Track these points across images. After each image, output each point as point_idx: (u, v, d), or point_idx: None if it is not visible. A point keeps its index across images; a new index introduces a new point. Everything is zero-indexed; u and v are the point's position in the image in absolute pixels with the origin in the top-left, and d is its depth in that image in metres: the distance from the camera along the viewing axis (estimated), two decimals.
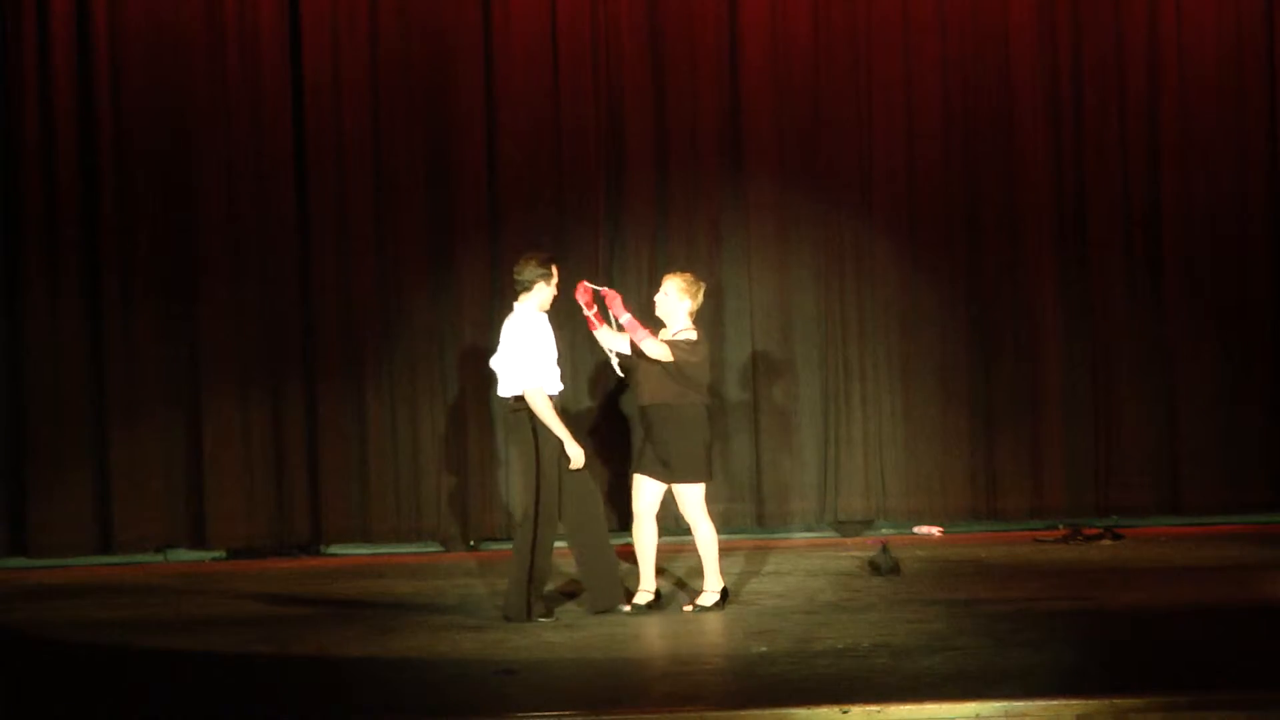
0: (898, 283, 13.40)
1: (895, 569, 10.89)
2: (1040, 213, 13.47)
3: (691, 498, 9.50)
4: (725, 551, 12.35)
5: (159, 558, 12.74)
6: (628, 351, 9.71)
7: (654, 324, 9.77)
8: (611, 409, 12.99)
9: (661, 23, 13.24)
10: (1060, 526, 13.15)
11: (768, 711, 6.96)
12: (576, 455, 9.37)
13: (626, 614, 9.46)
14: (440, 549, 12.92)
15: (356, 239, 13.00)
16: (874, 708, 6.94)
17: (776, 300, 13.33)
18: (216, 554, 12.79)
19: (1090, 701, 6.98)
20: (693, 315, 9.65)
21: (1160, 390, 13.49)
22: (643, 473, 9.59)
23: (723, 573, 9.75)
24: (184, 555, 12.77)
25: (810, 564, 11.64)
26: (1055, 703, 6.97)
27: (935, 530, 13.25)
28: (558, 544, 9.53)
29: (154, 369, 12.76)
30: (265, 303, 12.89)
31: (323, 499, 12.90)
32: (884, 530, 13.16)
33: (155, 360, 12.77)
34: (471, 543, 12.97)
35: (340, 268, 12.99)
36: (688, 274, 9.79)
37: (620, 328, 9.55)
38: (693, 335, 9.56)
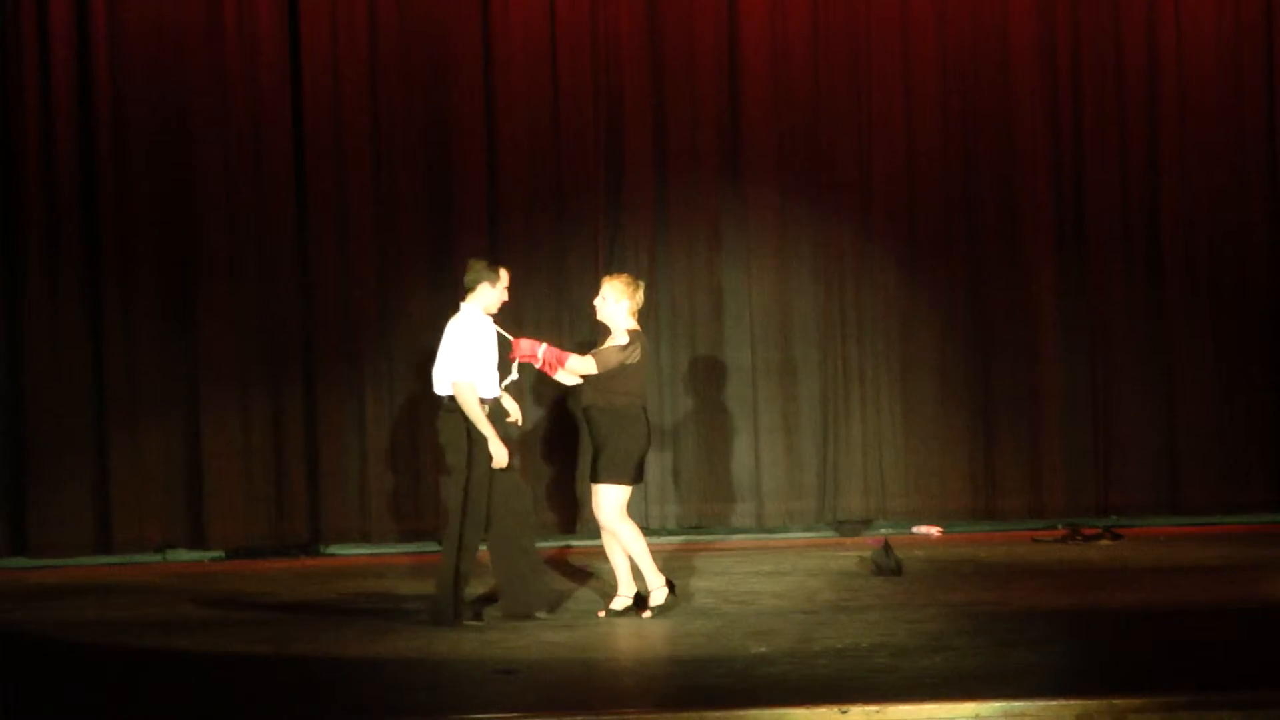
0: (897, 283, 13.40)
1: (897, 569, 10.89)
2: (1039, 213, 13.48)
3: (607, 500, 9.40)
4: (724, 551, 12.38)
5: (158, 558, 12.73)
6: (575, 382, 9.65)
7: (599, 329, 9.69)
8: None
9: (661, 23, 13.24)
10: (1059, 526, 13.14)
11: (767, 711, 6.97)
12: (500, 454, 9.31)
13: (600, 618, 9.41)
14: (439, 549, 12.89)
15: (356, 239, 13.00)
16: (873, 708, 6.94)
17: (776, 300, 13.33)
18: (216, 554, 12.78)
19: (1090, 701, 6.98)
20: (635, 314, 9.59)
21: (1159, 390, 13.50)
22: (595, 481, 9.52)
23: (641, 576, 9.52)
24: (183, 555, 12.76)
25: (809, 564, 11.64)
26: (1055, 703, 6.97)
27: (934, 530, 13.25)
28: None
29: (154, 369, 12.76)
30: (265, 303, 12.89)
31: (322, 499, 12.89)
32: (883, 530, 13.15)
33: (155, 360, 12.76)
34: None
35: (339, 268, 12.98)
36: (624, 275, 9.76)
37: (550, 365, 9.46)
38: (624, 339, 9.46)
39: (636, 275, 12.99)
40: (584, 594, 10.38)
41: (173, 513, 12.75)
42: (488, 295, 9.57)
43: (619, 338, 9.49)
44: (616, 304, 9.55)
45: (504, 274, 9.64)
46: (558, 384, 9.88)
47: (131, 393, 12.70)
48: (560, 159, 13.17)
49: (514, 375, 9.66)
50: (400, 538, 12.97)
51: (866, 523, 13.33)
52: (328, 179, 12.98)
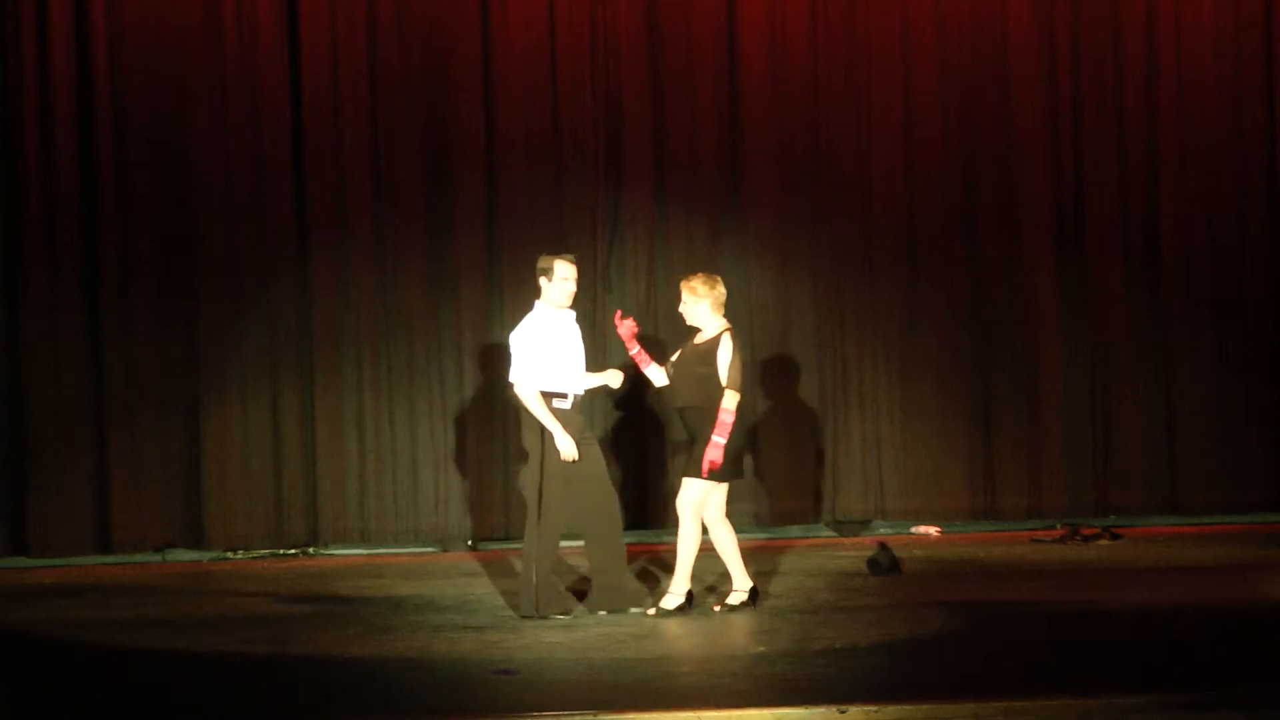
0: (896, 282, 13.41)
1: (895, 568, 10.90)
2: (1038, 212, 13.49)
3: (689, 493, 9.45)
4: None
5: (158, 558, 12.73)
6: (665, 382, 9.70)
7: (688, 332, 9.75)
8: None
9: (660, 23, 13.25)
10: (1058, 526, 13.15)
11: (766, 711, 6.97)
12: (567, 449, 9.36)
13: (716, 614, 9.43)
14: (438, 549, 12.92)
15: (355, 239, 13.00)
16: (872, 707, 6.94)
17: (775, 300, 13.34)
18: (215, 554, 12.79)
19: (1089, 701, 6.98)
20: (719, 308, 9.59)
21: (1158, 390, 13.51)
22: (685, 475, 9.55)
23: (693, 578, 9.60)
24: (182, 555, 12.77)
25: (808, 564, 11.64)
26: (1054, 702, 6.97)
27: (933, 530, 13.26)
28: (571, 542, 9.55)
29: (153, 369, 12.76)
30: (264, 303, 12.89)
31: (321, 499, 12.90)
32: (882, 530, 13.17)
33: (154, 360, 12.77)
34: (470, 543, 12.98)
35: (338, 268, 12.98)
36: (698, 274, 9.77)
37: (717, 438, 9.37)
38: (728, 344, 9.41)
39: (635, 274, 13.12)
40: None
41: (172, 513, 12.76)
42: (549, 290, 9.59)
43: (724, 345, 9.40)
44: (696, 304, 9.53)
45: (561, 265, 9.62)
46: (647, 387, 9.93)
47: (131, 393, 12.71)
48: (560, 158, 13.17)
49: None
50: (399, 538, 12.98)
51: (865, 523, 13.34)
52: (327, 179, 12.98)
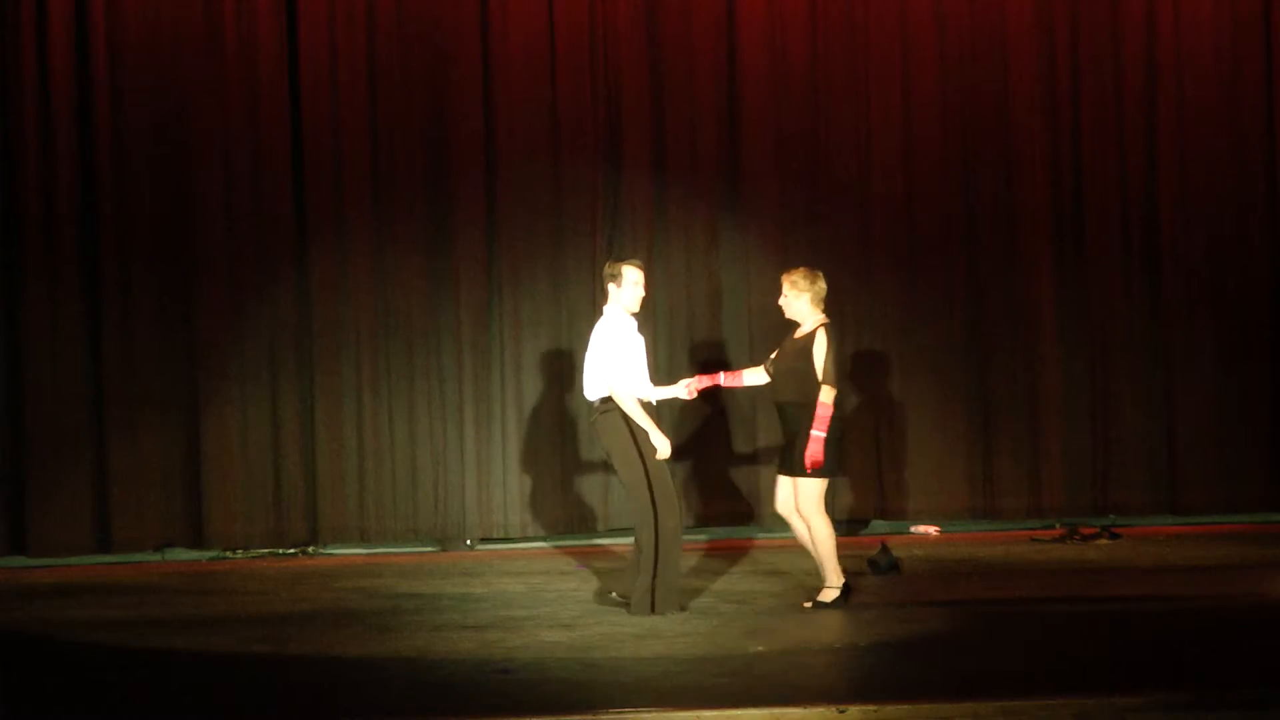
0: (895, 282, 13.41)
1: (895, 567, 10.90)
2: (1038, 212, 13.49)
3: (808, 492, 9.46)
4: (723, 551, 12.39)
5: (157, 557, 12.73)
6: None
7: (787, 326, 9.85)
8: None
9: (660, 23, 13.24)
10: (1057, 526, 13.16)
11: (765, 711, 6.97)
12: (663, 446, 9.39)
13: (807, 609, 9.44)
14: (438, 549, 12.92)
15: (354, 238, 12.99)
16: (871, 707, 6.95)
17: (774, 299, 13.26)
18: (214, 554, 12.78)
19: (1088, 701, 6.98)
20: (818, 303, 9.63)
21: (1157, 389, 13.51)
22: (782, 472, 9.59)
23: (842, 569, 9.60)
24: (182, 555, 12.76)
25: (808, 563, 11.53)
26: (1053, 702, 6.97)
27: (932, 529, 13.26)
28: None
29: (152, 369, 12.76)
30: (263, 303, 12.89)
31: (320, 499, 12.89)
32: (881, 529, 13.16)
33: (153, 360, 12.76)
34: (469, 542, 12.97)
35: (338, 267, 12.98)
36: (799, 269, 9.83)
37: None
38: (822, 340, 9.45)
39: None
40: (584, 594, 10.38)
41: (172, 512, 12.75)
42: (620, 295, 9.61)
43: (819, 340, 9.45)
44: (797, 299, 9.56)
45: (629, 270, 9.61)
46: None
47: (130, 392, 12.70)
48: (559, 158, 13.17)
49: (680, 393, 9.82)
50: (398, 537, 12.98)
51: (864, 522, 13.34)
52: (327, 179, 12.98)
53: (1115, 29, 13.54)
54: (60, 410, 12.64)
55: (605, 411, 9.46)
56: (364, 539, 12.96)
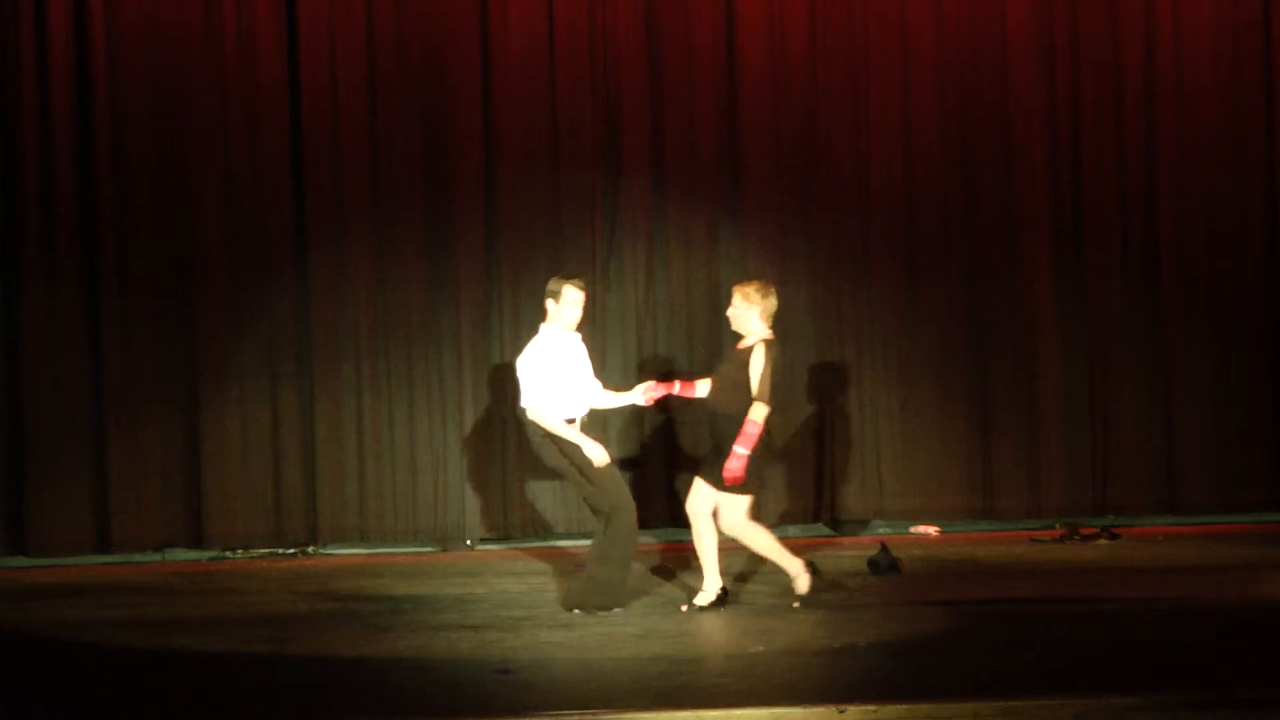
0: (895, 282, 13.41)
1: (894, 567, 10.90)
2: (1037, 213, 13.49)
3: (731, 508, 9.48)
4: (722, 550, 12.38)
5: (157, 557, 12.72)
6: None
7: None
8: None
9: (659, 24, 13.24)
10: (1057, 526, 13.15)
11: (765, 711, 6.97)
12: (597, 454, 9.45)
13: (684, 614, 9.47)
14: (438, 549, 12.91)
15: (353, 239, 12.99)
16: (871, 707, 6.95)
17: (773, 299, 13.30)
18: (214, 554, 12.78)
19: (1088, 701, 6.98)
20: (768, 318, 9.61)
21: (1157, 390, 13.52)
22: (700, 475, 9.64)
23: (723, 572, 9.72)
24: (182, 555, 12.76)
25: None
26: (1053, 702, 6.97)
27: (932, 529, 13.26)
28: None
29: (152, 369, 12.75)
30: (263, 303, 12.89)
31: (320, 499, 12.89)
32: (881, 530, 13.17)
33: (153, 360, 12.76)
34: (469, 542, 12.97)
35: (337, 268, 12.98)
36: (754, 281, 9.81)
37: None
38: (760, 354, 9.43)
39: (634, 274, 13.12)
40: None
41: (171, 512, 12.75)
42: (557, 313, 9.65)
43: (757, 354, 9.44)
44: (748, 311, 9.55)
45: (570, 289, 9.65)
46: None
47: (130, 392, 12.70)
48: (558, 159, 13.17)
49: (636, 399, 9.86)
50: (398, 537, 12.98)
51: (864, 522, 13.34)
52: (326, 179, 12.98)
53: (1115, 30, 13.54)
54: (60, 410, 12.64)
55: (541, 434, 9.58)
56: (364, 539, 12.96)
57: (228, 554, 12.79)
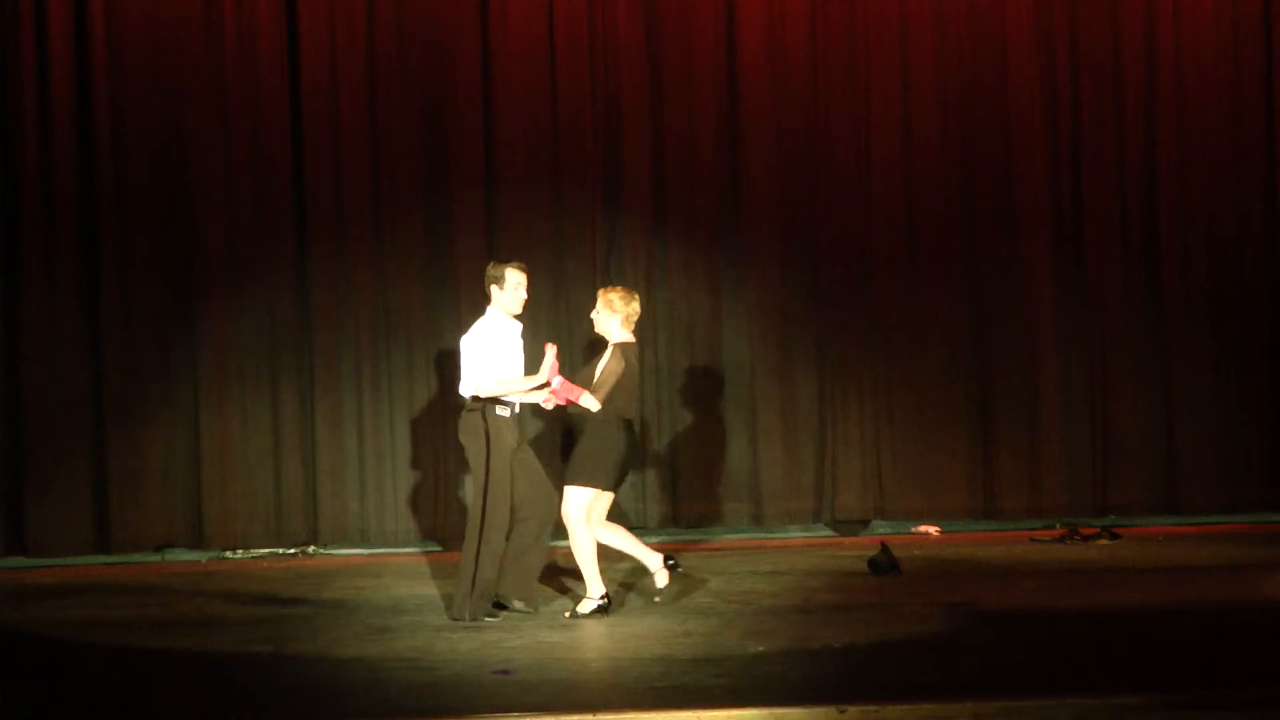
0: (895, 282, 13.41)
1: (895, 568, 10.90)
2: (1038, 212, 13.49)
3: (572, 500, 9.45)
4: (722, 550, 12.38)
5: (157, 557, 12.73)
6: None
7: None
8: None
9: (659, 23, 13.25)
10: (1057, 526, 13.15)
11: (765, 711, 6.97)
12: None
13: (567, 619, 9.40)
14: (438, 549, 12.91)
15: (354, 239, 13.00)
16: (871, 707, 6.94)
17: (774, 300, 13.33)
18: (214, 554, 12.79)
19: (1088, 701, 6.98)
20: (629, 324, 9.61)
21: (1157, 390, 13.52)
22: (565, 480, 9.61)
23: (603, 575, 9.58)
24: (182, 555, 12.76)
25: (807, 563, 11.64)
26: (1054, 702, 6.97)
27: (932, 529, 13.26)
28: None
29: (152, 369, 12.76)
30: (263, 303, 12.89)
31: (320, 499, 12.90)
32: (881, 530, 13.17)
33: (153, 360, 12.77)
34: None
35: (338, 268, 12.99)
36: (618, 288, 9.80)
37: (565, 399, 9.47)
38: (608, 353, 9.46)
39: (635, 275, 13.11)
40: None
41: (171, 512, 12.76)
42: (501, 298, 9.61)
43: (608, 354, 9.49)
44: (609, 317, 9.57)
45: (511, 273, 9.63)
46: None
47: (130, 392, 12.70)
48: (559, 159, 13.17)
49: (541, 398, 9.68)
50: (398, 538, 12.98)
51: (865, 522, 13.34)
52: (327, 179, 12.98)
53: (1115, 29, 13.55)
54: (60, 410, 12.64)
55: (470, 410, 9.52)
56: (364, 539, 12.96)
57: (228, 554, 12.79)
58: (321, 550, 12.93)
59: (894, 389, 13.40)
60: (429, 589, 10.80)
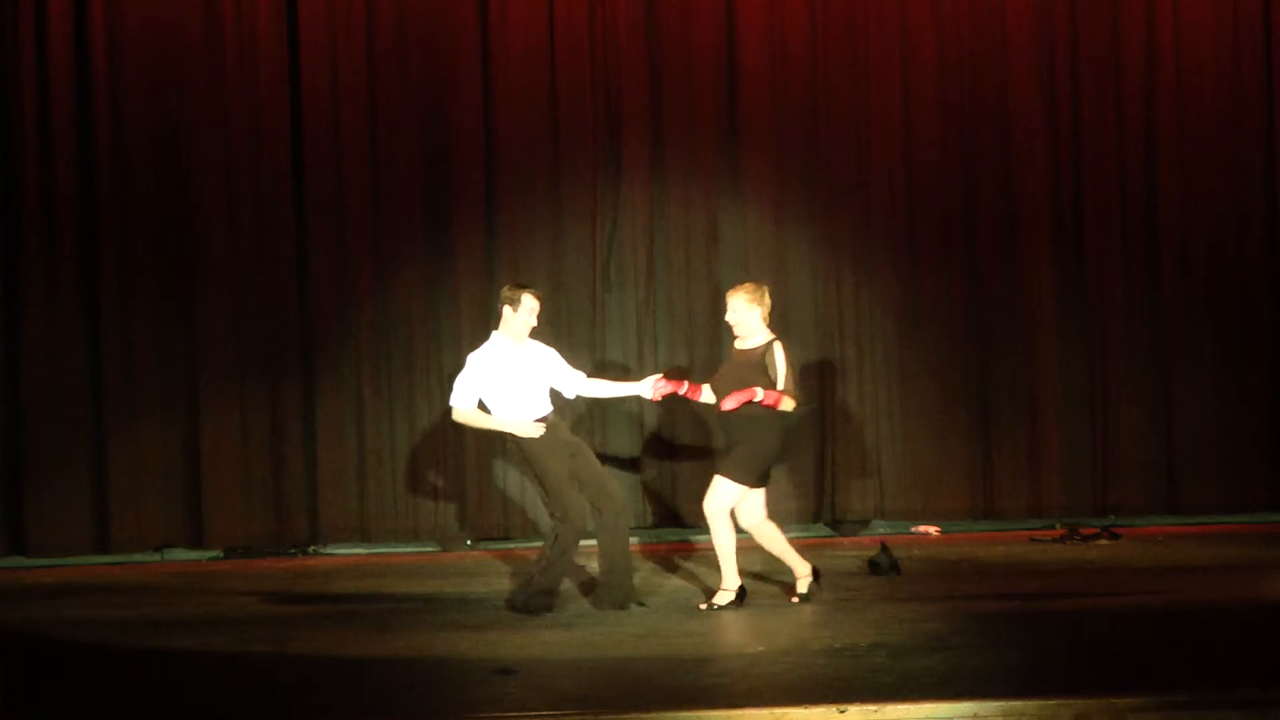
0: (895, 282, 13.41)
1: (895, 568, 10.90)
2: (1037, 212, 13.49)
3: (721, 493, 9.50)
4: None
5: (156, 557, 12.74)
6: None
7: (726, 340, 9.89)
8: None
9: (659, 23, 13.25)
10: (1058, 526, 13.16)
11: (765, 711, 6.96)
12: (526, 430, 9.48)
13: (703, 612, 9.47)
14: (438, 549, 12.92)
15: (354, 239, 13.01)
16: (871, 707, 6.94)
17: (774, 300, 13.20)
18: (214, 554, 12.79)
19: (1088, 701, 6.98)
20: (766, 319, 9.64)
21: (1157, 390, 13.51)
22: (720, 473, 9.65)
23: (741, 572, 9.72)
24: (182, 555, 12.77)
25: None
26: (1053, 702, 6.97)
27: (932, 530, 13.26)
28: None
29: (152, 369, 12.77)
30: (263, 303, 12.89)
31: (320, 499, 12.90)
32: (881, 530, 13.17)
33: (153, 360, 12.77)
34: (469, 542, 12.98)
35: (338, 267, 12.99)
36: (748, 284, 9.80)
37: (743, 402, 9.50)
38: (779, 351, 9.53)
39: (635, 274, 13.13)
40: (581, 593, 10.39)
41: (171, 512, 12.77)
42: (511, 321, 9.63)
43: (777, 352, 9.50)
44: (749, 312, 9.56)
45: (528, 298, 9.65)
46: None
47: (130, 392, 12.71)
48: (558, 159, 13.18)
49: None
50: (399, 537, 12.99)
51: (864, 522, 13.34)
52: (326, 179, 12.99)
53: (1115, 29, 13.54)
54: (60, 410, 12.65)
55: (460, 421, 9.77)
56: (364, 539, 12.96)
57: (228, 554, 12.79)
58: (321, 550, 12.93)
59: (894, 389, 13.40)
60: (430, 589, 10.81)
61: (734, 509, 9.61)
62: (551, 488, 9.50)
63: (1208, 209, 13.58)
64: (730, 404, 9.44)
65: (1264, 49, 13.61)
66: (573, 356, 12.78)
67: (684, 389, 9.84)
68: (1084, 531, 12.77)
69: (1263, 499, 13.51)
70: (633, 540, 10.15)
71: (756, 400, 9.42)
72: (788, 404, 9.46)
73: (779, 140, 13.34)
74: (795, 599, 9.67)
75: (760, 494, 9.63)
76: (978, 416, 13.43)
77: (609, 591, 9.61)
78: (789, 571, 9.85)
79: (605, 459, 12.22)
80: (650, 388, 9.83)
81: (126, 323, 12.76)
